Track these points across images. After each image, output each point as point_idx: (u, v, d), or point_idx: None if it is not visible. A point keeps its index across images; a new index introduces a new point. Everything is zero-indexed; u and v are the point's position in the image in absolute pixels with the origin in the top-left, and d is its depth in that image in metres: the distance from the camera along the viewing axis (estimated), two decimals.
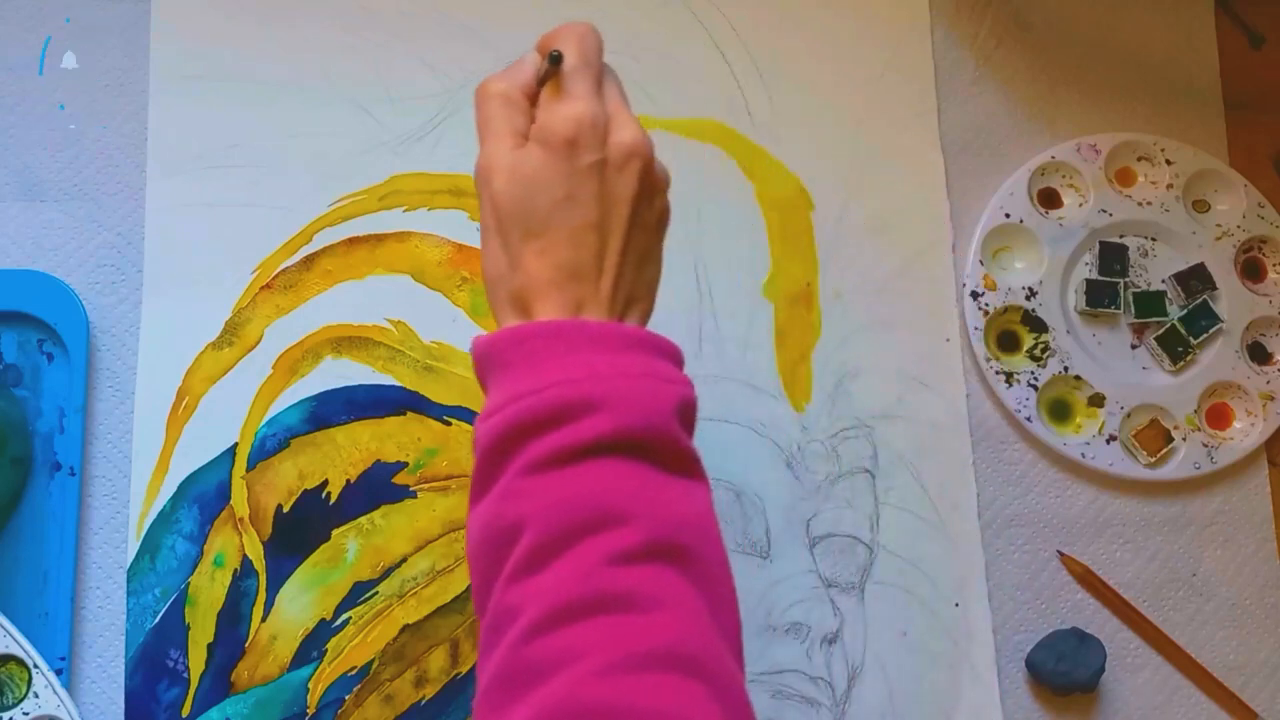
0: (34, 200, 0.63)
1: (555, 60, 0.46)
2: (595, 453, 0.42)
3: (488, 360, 0.45)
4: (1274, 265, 0.69)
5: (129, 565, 0.60)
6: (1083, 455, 0.65)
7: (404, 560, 0.61)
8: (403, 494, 0.62)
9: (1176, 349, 0.67)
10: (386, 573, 0.61)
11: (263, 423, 0.62)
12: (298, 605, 0.60)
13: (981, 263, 0.67)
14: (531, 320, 0.45)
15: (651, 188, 0.48)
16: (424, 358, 0.63)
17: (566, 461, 0.42)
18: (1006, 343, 0.67)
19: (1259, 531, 0.67)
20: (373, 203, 0.65)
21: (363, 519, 0.61)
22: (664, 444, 0.43)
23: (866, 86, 0.69)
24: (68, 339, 0.61)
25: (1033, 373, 0.66)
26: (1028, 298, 0.67)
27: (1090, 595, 0.65)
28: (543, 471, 0.42)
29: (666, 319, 0.65)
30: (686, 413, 0.45)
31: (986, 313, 0.66)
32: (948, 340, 0.67)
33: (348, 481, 0.62)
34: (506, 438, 0.43)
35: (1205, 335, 0.67)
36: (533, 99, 0.48)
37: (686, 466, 0.44)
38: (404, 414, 0.63)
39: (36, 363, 0.61)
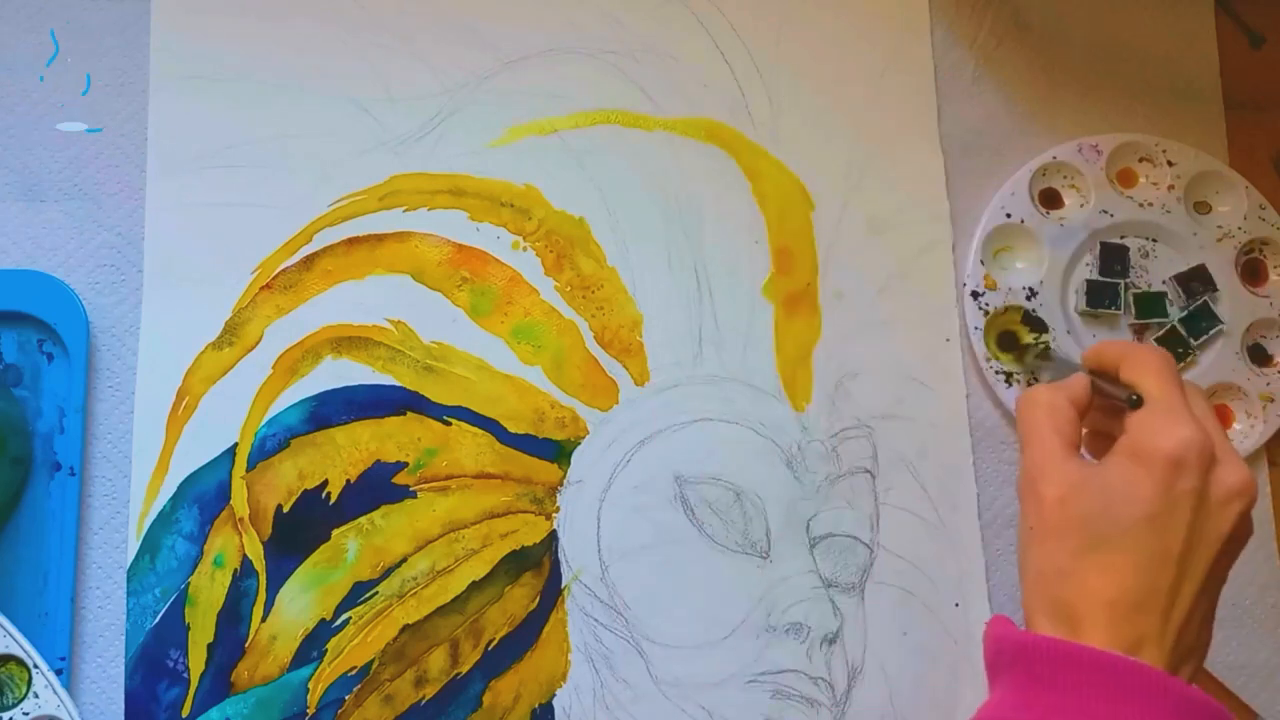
0: (34, 200, 0.63)
1: (1135, 403, 0.46)
2: None
3: (1019, 659, 0.42)
4: (1275, 267, 0.69)
5: (129, 565, 0.60)
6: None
7: (404, 560, 0.61)
8: (403, 494, 0.62)
9: (1177, 350, 0.67)
10: (386, 573, 0.61)
11: (263, 423, 0.62)
12: (298, 605, 0.60)
13: (982, 263, 0.67)
14: (1076, 638, 0.42)
15: (1243, 535, 0.45)
16: (424, 358, 0.63)
17: None
18: (1007, 343, 0.67)
19: (1259, 531, 0.66)
20: (373, 203, 0.65)
21: (363, 519, 0.61)
22: None
23: (866, 86, 0.69)
24: (68, 339, 0.61)
25: (1033, 373, 0.66)
26: (1028, 298, 0.67)
27: None
28: None
29: (666, 319, 0.65)
30: None
31: (987, 313, 0.66)
32: (948, 340, 0.67)
33: (348, 481, 0.62)
34: None
35: (1206, 337, 0.67)
36: (1079, 407, 0.47)
37: None
38: (404, 414, 0.63)
39: (36, 363, 0.61)
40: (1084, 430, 0.49)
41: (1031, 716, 0.40)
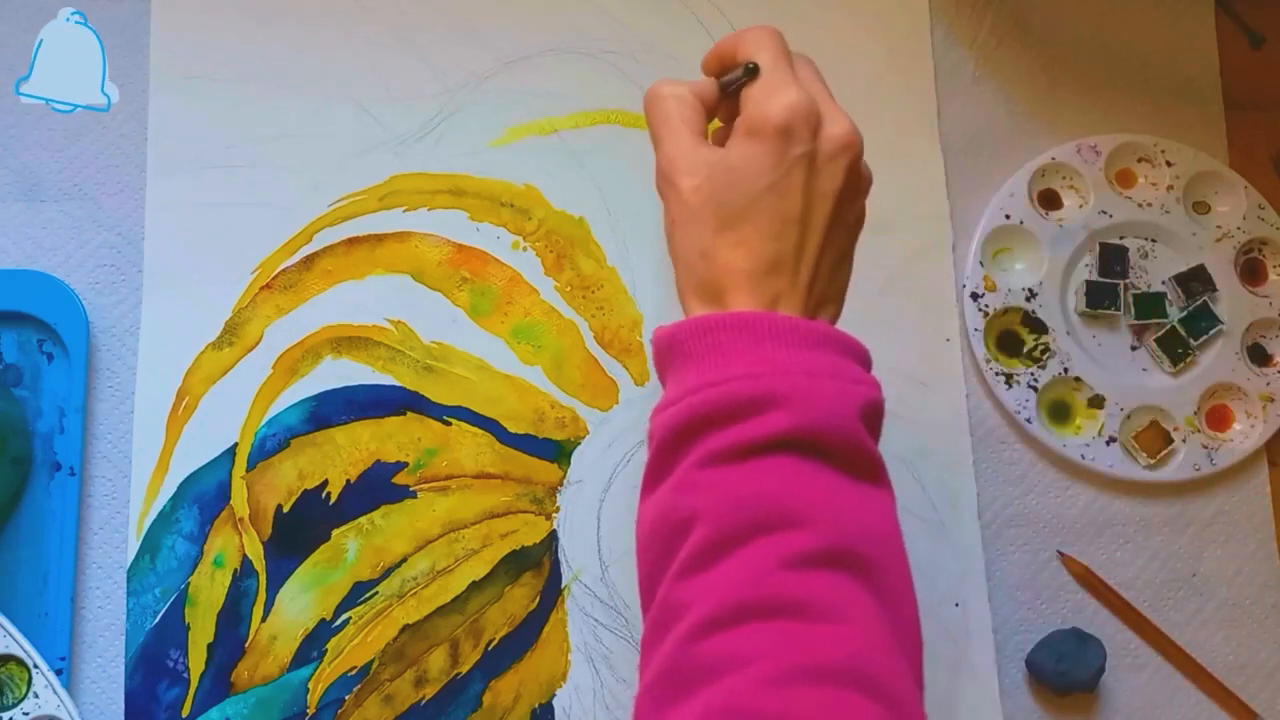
0: (34, 200, 0.63)
1: (751, 71, 0.47)
2: (774, 449, 0.41)
3: (670, 350, 0.45)
4: (1274, 267, 0.69)
5: (129, 565, 0.60)
6: (1082, 456, 0.65)
7: (404, 560, 0.61)
8: (403, 494, 0.62)
9: (1176, 351, 0.67)
10: (386, 573, 0.61)
11: (263, 423, 0.62)
12: (298, 605, 0.60)
13: (981, 264, 0.67)
14: (723, 311, 0.44)
15: (856, 185, 0.47)
16: (424, 358, 0.63)
17: (744, 456, 0.41)
18: (1006, 344, 0.67)
19: (1259, 532, 0.67)
20: (373, 203, 0.65)
21: (363, 519, 0.61)
22: (847, 446, 0.42)
23: (866, 86, 0.69)
24: (68, 339, 0.61)
25: (1033, 374, 0.66)
26: (1028, 299, 0.67)
27: (1090, 595, 0.65)
28: (719, 465, 0.41)
29: (666, 319, 0.65)
30: (873, 416, 0.44)
31: (986, 314, 0.66)
32: (948, 340, 0.67)
33: (348, 481, 0.62)
34: (684, 429, 0.42)
35: (1205, 337, 0.67)
36: (706, 103, 0.48)
37: (870, 472, 0.43)
38: (404, 414, 0.63)
39: (36, 363, 0.61)
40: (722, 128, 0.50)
41: (683, 390, 0.42)
